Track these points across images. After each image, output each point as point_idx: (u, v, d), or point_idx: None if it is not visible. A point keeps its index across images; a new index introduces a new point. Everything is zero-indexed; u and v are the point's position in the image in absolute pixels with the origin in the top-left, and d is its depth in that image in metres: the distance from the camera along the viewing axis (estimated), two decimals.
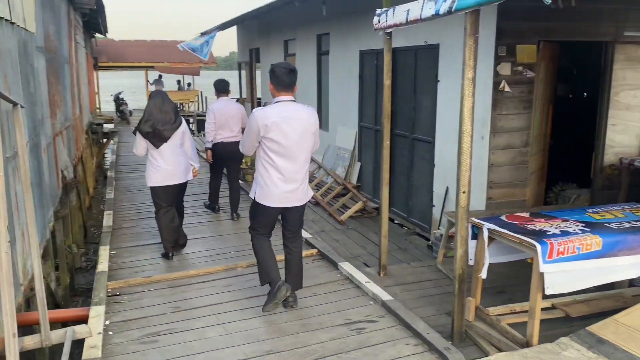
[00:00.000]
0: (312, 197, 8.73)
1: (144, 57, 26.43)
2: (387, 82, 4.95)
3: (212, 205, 7.38)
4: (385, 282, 4.97)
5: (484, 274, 3.83)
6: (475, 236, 4.03)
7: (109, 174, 11.19)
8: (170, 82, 29.18)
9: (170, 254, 5.53)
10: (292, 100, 3.92)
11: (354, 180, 8.67)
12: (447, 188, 6.23)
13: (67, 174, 7.21)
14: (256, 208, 4.06)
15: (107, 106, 27.09)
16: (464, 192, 3.74)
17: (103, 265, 5.27)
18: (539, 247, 3.39)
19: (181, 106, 26.34)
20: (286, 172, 3.85)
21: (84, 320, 4.20)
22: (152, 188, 5.43)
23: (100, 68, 26.01)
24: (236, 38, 17.59)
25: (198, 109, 28.15)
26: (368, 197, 8.23)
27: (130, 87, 31.89)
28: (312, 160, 9.63)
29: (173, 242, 5.53)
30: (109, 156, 16.85)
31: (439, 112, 6.39)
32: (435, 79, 6.41)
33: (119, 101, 23.09)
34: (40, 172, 5.03)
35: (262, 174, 3.91)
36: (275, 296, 4.02)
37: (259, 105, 15.18)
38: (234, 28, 17.58)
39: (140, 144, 5.27)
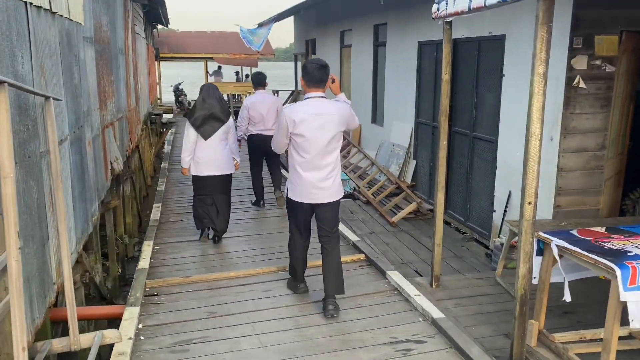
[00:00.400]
0: (363, 196, 8.45)
1: (204, 48, 26.74)
2: (445, 76, 4.52)
3: (257, 201, 7.23)
4: (438, 295, 4.56)
5: (567, 297, 3.35)
6: (540, 252, 3.57)
7: (162, 164, 11.26)
8: (228, 73, 29.46)
9: (207, 231, 5.77)
10: (322, 97, 3.86)
11: (409, 179, 8.23)
12: (510, 192, 5.72)
13: (117, 165, 7.19)
14: (289, 205, 4.10)
15: (169, 96, 27.64)
16: (529, 203, 3.29)
17: (144, 262, 5.16)
18: (618, 271, 2.90)
19: (238, 97, 26.54)
20: (315, 168, 3.83)
21: (119, 317, 4.08)
22: (193, 177, 5.62)
23: (162, 59, 26.57)
24: (293, 29, 17.37)
25: None
26: (423, 197, 7.79)
27: (191, 78, 32.44)
28: (365, 156, 9.26)
29: (206, 224, 5.71)
30: (167, 147, 17.13)
31: (503, 109, 5.87)
32: (499, 73, 5.89)
33: (178, 92, 23.49)
34: (84, 166, 4.95)
35: (292, 171, 3.94)
36: (294, 288, 4.40)
37: None
38: (292, 19, 17.37)
39: (190, 135, 5.44)
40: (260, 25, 14.52)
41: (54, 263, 3.72)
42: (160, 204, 7.55)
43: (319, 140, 3.76)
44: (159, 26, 25.16)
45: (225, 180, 5.65)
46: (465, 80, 6.63)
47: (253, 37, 14.12)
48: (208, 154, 5.44)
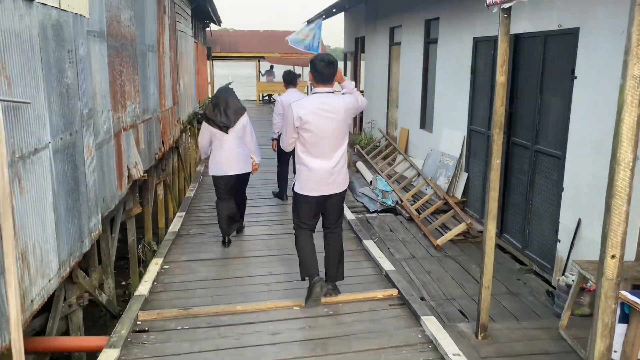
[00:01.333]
0: (406, 211, 7.54)
1: (256, 48, 26.44)
2: (501, 77, 3.62)
3: (281, 193, 7.21)
4: (484, 351, 3.67)
5: None
6: (625, 318, 2.63)
7: (197, 168, 10.77)
8: (278, 72, 29.04)
9: (227, 240, 5.62)
10: (329, 92, 3.89)
11: (459, 194, 7.27)
12: (580, 220, 4.72)
13: (137, 171, 6.66)
14: (297, 200, 4.09)
15: None
16: (613, 257, 2.38)
17: (144, 287, 4.53)
18: None
19: None
20: (324, 162, 3.89)
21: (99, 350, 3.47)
22: (212, 177, 5.66)
23: (214, 58, 26.43)
24: (343, 27, 16.59)
25: None
26: (475, 216, 6.82)
27: (244, 77, 32.28)
28: (412, 165, 8.36)
29: (228, 229, 5.64)
30: None
31: (573, 118, 4.87)
32: (570, 74, 4.89)
33: None
34: (78, 177, 4.37)
35: (300, 165, 3.98)
36: (312, 293, 4.01)
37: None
38: (342, 16, 16.59)
39: (204, 133, 5.54)
40: (309, 22, 13.81)
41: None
42: (183, 213, 6.97)
43: (326, 134, 3.82)
44: (212, 25, 25.11)
45: (241, 179, 5.68)
46: (527, 83, 5.64)
47: (300, 35, 13.45)
48: (223, 154, 5.50)
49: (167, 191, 10.47)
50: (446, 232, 6.41)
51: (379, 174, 8.89)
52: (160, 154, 8.80)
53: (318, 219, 4.16)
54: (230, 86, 5.85)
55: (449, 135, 7.72)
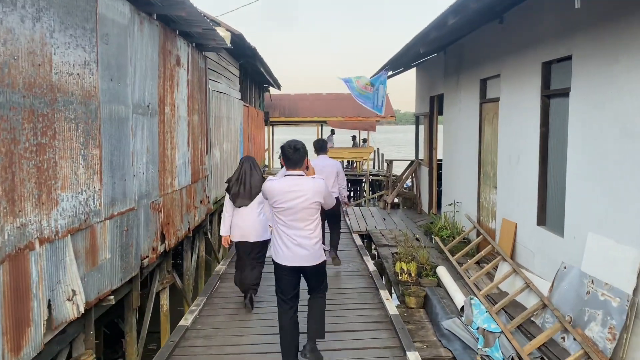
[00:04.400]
0: None
1: (317, 111, 24.30)
2: None
3: None
4: None
5: None
6: None
7: (217, 267, 8.11)
8: (344, 138, 26.64)
9: (246, 298, 5.93)
10: (299, 175, 4.22)
11: None
12: None
13: (72, 308, 4.01)
14: (274, 268, 4.35)
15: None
16: None
17: None
18: None
19: (353, 164, 23.38)
20: (293, 234, 4.19)
21: None
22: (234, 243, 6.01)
23: (272, 123, 24.51)
24: (415, 85, 13.90)
25: (373, 167, 24.96)
26: None
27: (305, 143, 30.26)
28: (528, 285, 5.22)
29: (245, 291, 5.98)
30: None
31: None
32: None
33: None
34: None
35: (274, 236, 4.34)
36: None
37: (439, 168, 11.32)
38: (413, 74, 13.96)
39: (227, 205, 5.89)
40: (373, 79, 11.27)
41: None
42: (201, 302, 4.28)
43: (296, 211, 4.14)
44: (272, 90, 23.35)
45: (260, 246, 5.90)
46: None
47: (355, 84, 10.98)
48: (242, 221, 5.81)
49: (176, 299, 7.83)
50: None
51: (474, 296, 5.78)
52: (153, 256, 6.20)
53: (297, 292, 4.35)
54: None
55: (605, 250, 4.53)
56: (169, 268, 7.24)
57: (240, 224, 5.80)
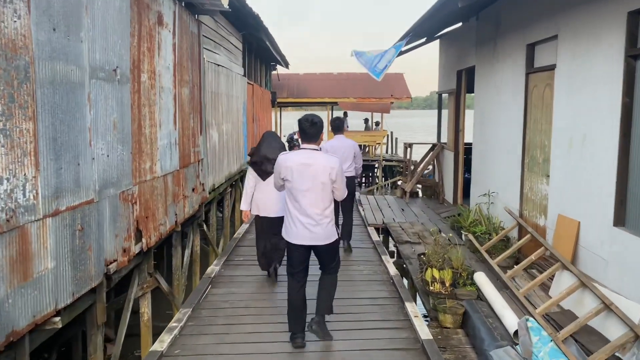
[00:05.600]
0: None
1: (328, 92, 22.88)
2: None
3: None
4: None
5: None
6: None
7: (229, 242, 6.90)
8: (356, 123, 25.25)
9: (268, 272, 6.04)
10: (314, 149, 4.21)
11: None
12: None
13: None
14: (286, 246, 4.38)
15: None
16: None
17: None
18: None
19: (365, 148, 22.03)
20: (304, 211, 4.15)
21: None
22: (254, 216, 6.03)
23: (280, 104, 23.17)
24: (438, 60, 12.48)
25: (387, 152, 23.59)
26: None
27: None
28: (603, 302, 3.93)
29: (266, 265, 6.02)
30: None
31: None
32: None
33: (292, 142, 19.54)
34: None
35: (286, 213, 4.30)
36: (291, 343, 4.33)
37: (467, 152, 9.99)
38: (436, 48, 12.53)
39: (250, 178, 5.84)
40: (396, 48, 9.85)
41: None
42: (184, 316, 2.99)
43: (307, 186, 4.11)
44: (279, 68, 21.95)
45: (280, 222, 5.07)
46: None
47: (362, 58, 9.68)
48: (265, 196, 5.78)
49: (161, 303, 6.63)
50: None
51: (530, 316, 4.49)
52: (125, 259, 4.97)
53: (305, 267, 4.34)
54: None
55: None
56: (150, 270, 6.02)
57: (262, 198, 5.83)
